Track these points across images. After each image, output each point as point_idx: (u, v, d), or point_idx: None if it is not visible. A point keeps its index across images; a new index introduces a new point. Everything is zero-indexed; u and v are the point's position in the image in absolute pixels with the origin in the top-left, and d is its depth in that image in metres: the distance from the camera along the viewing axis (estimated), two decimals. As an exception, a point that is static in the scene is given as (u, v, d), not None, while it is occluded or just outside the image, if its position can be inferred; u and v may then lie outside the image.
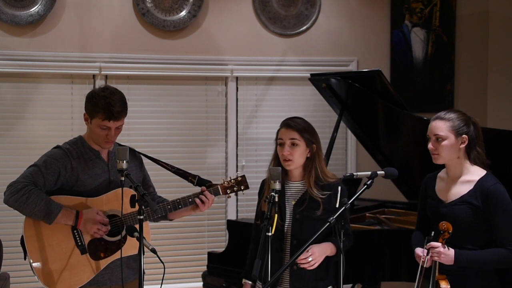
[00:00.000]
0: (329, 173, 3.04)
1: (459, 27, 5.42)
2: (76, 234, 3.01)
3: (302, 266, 2.85)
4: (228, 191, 3.23)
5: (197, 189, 3.24)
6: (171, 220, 3.31)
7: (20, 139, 4.68)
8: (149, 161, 3.35)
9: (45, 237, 2.98)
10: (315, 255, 2.86)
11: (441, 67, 5.44)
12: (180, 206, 3.15)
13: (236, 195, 3.31)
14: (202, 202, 3.15)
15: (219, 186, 3.21)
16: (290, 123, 3.00)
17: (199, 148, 5.07)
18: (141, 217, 2.78)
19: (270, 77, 5.20)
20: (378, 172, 2.82)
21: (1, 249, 3.82)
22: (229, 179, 3.26)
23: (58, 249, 2.99)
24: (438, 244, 2.79)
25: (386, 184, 3.55)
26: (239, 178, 3.26)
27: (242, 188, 3.26)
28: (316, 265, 2.86)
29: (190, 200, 3.15)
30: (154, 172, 3.48)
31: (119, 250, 3.05)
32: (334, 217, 2.63)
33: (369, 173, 2.80)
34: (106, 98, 2.99)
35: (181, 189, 3.54)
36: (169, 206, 3.13)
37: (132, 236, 2.80)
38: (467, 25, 5.40)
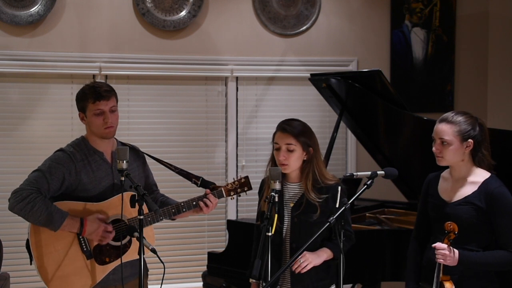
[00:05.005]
0: (328, 174, 3.03)
1: (459, 27, 5.42)
2: (81, 239, 3.01)
3: (297, 271, 2.87)
4: (232, 193, 3.24)
5: (201, 189, 3.24)
6: (173, 219, 3.30)
7: (20, 139, 4.67)
8: (153, 160, 3.35)
9: (51, 243, 2.97)
10: (305, 257, 2.87)
11: (441, 67, 5.44)
12: (184, 210, 3.16)
13: (239, 196, 3.30)
14: (206, 205, 3.16)
15: (223, 189, 3.22)
16: (286, 128, 2.97)
17: (199, 148, 5.07)
18: (141, 217, 2.78)
19: (270, 77, 5.20)
20: (378, 172, 2.82)
21: (1, 249, 3.81)
22: (232, 180, 3.25)
23: (64, 254, 2.98)
24: (444, 245, 2.75)
25: (386, 184, 3.55)
26: (243, 180, 3.26)
27: (246, 190, 3.27)
28: (309, 266, 2.87)
29: (194, 203, 3.16)
30: (158, 172, 3.48)
31: (124, 255, 3.05)
32: (334, 217, 2.63)
33: (369, 173, 2.79)
34: (91, 84, 3.11)
35: (184, 188, 3.53)
36: (173, 210, 3.14)
37: (132, 236, 2.80)
38: (467, 25, 5.39)
